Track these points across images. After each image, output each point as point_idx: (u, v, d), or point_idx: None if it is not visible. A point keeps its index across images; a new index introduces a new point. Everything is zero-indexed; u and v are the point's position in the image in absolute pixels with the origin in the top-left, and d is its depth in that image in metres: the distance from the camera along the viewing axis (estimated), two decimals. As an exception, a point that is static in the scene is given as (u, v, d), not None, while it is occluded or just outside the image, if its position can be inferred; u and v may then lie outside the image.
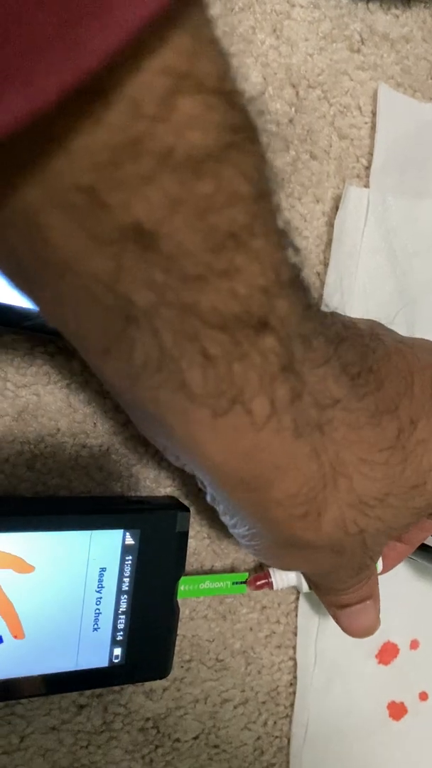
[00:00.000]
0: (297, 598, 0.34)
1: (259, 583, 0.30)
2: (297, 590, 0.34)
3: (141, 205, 0.14)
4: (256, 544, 0.24)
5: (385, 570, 0.30)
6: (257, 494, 0.20)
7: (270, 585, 0.30)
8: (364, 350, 0.22)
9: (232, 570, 0.33)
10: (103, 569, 0.26)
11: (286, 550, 0.23)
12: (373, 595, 0.28)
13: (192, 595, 0.29)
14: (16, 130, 0.11)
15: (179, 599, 0.28)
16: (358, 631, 0.29)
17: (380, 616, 0.29)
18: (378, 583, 0.29)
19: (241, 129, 0.14)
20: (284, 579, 0.30)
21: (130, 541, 0.26)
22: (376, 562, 0.27)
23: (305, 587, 0.30)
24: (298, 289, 0.17)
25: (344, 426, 0.20)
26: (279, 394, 0.18)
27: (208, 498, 0.25)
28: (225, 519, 0.25)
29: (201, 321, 0.16)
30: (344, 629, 0.29)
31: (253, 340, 0.16)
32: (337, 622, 0.29)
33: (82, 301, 0.15)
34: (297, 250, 0.17)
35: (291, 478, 0.19)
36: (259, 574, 0.31)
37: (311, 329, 0.18)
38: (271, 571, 0.31)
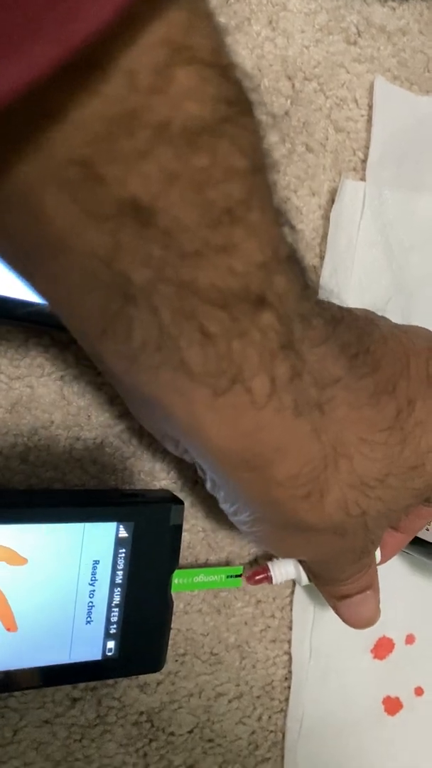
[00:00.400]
0: (292, 593, 0.34)
1: (258, 577, 0.30)
2: (293, 584, 0.34)
3: (137, 179, 0.13)
4: (257, 530, 0.24)
5: (384, 560, 0.30)
6: (258, 474, 0.20)
7: (269, 579, 0.30)
8: (360, 332, 0.22)
9: (227, 563, 0.32)
10: (96, 562, 0.26)
11: (288, 534, 0.23)
12: (372, 586, 0.28)
13: (186, 588, 0.29)
14: (10, 103, 0.11)
15: (173, 593, 0.28)
16: (359, 622, 0.29)
17: (377, 609, 0.29)
18: (377, 573, 0.29)
19: (235, 103, 0.14)
20: (283, 572, 0.30)
21: (123, 533, 0.26)
22: (376, 548, 0.27)
23: (304, 580, 0.30)
24: (295, 267, 0.17)
25: (344, 405, 0.20)
26: (279, 372, 0.17)
27: (208, 485, 0.25)
28: (225, 506, 0.25)
29: (199, 298, 0.15)
30: (345, 620, 0.29)
31: (252, 317, 0.16)
32: (338, 613, 0.29)
33: (78, 280, 0.15)
34: (294, 228, 0.17)
35: (292, 459, 0.19)
36: (257, 569, 0.30)
37: (309, 309, 0.18)
38: (269, 564, 0.30)
